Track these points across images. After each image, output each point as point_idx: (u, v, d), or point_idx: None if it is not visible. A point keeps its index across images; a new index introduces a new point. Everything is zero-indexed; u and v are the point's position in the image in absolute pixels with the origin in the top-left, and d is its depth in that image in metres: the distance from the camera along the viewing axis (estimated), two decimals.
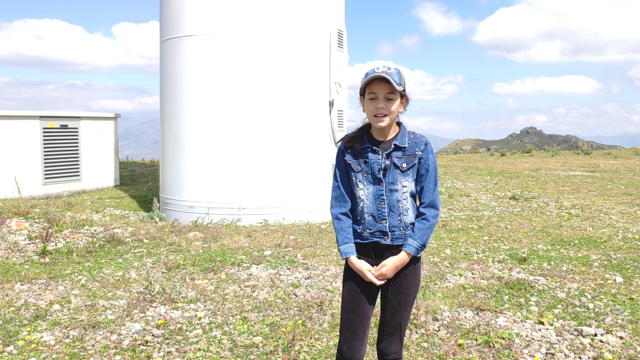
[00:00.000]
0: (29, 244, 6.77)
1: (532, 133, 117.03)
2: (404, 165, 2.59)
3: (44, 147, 11.04)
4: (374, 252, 2.65)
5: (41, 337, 4.20)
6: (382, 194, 2.59)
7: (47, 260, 6.30)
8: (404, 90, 2.56)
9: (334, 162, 2.77)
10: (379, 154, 2.59)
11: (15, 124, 10.59)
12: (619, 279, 5.53)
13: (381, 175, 2.59)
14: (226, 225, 8.39)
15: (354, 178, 2.65)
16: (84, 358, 3.89)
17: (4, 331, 4.31)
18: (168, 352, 3.97)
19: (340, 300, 2.74)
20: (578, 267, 5.98)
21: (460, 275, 5.76)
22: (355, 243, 2.68)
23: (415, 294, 2.71)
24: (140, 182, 13.69)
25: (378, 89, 2.52)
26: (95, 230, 7.57)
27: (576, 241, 7.20)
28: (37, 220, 7.65)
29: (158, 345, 4.10)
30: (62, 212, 8.30)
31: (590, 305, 4.80)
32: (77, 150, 11.82)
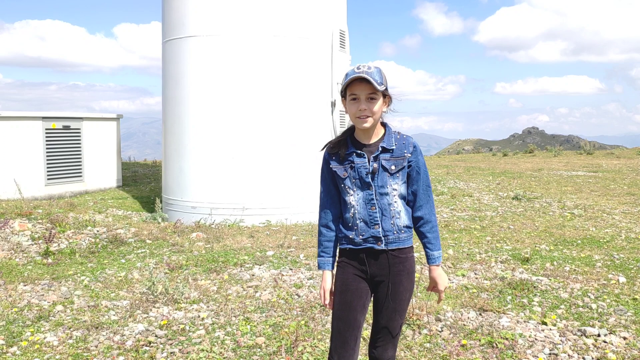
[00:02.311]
0: (32, 245, 6.78)
1: (535, 133, 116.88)
2: (393, 167, 2.52)
3: (47, 148, 11.06)
4: (367, 258, 2.59)
5: (44, 338, 4.21)
6: (373, 198, 2.53)
7: (50, 261, 6.31)
8: (386, 89, 2.50)
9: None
10: (365, 158, 2.52)
11: (17, 124, 10.61)
12: (622, 279, 5.52)
13: (370, 179, 2.52)
14: (229, 225, 8.40)
15: (342, 185, 2.59)
16: (87, 359, 3.89)
17: (8, 332, 4.32)
18: (171, 353, 3.97)
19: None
20: (581, 268, 5.97)
21: (463, 275, 5.75)
22: (348, 249, 2.63)
23: (409, 299, 2.66)
24: (143, 183, 13.70)
25: (359, 89, 2.45)
26: (98, 231, 7.58)
27: (579, 241, 7.18)
28: (40, 221, 7.67)
29: (161, 345, 4.10)
30: (64, 212, 8.32)
31: (594, 306, 4.79)
32: (79, 151, 11.83)
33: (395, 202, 2.55)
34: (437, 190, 12.14)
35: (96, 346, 4.08)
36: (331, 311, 2.70)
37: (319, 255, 2.69)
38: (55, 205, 9.06)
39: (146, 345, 4.10)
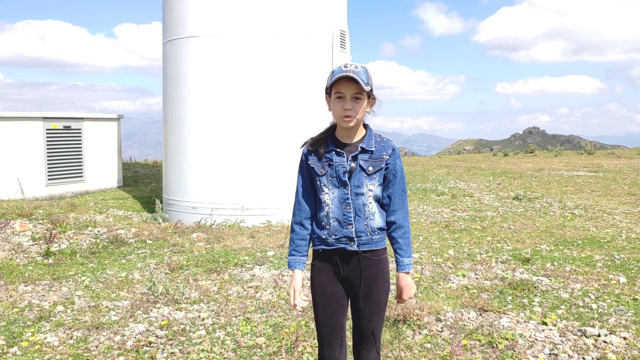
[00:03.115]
0: (33, 245, 6.78)
1: (535, 133, 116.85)
2: (370, 168, 2.50)
3: (47, 148, 11.07)
4: (340, 259, 2.56)
5: (45, 338, 4.21)
6: (348, 198, 2.50)
7: (50, 261, 6.32)
8: (371, 90, 2.48)
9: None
10: (344, 157, 2.51)
11: (18, 125, 10.62)
12: (623, 280, 5.52)
13: (346, 178, 2.50)
14: (229, 226, 8.40)
15: (318, 182, 2.56)
16: (88, 359, 3.90)
17: (8, 332, 4.33)
18: (172, 353, 3.97)
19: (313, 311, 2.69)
20: (581, 268, 5.97)
21: (464, 275, 5.75)
22: (320, 250, 2.60)
23: (386, 301, 2.64)
24: (144, 183, 13.71)
25: (345, 88, 2.42)
26: (98, 231, 7.59)
27: (579, 241, 7.18)
28: (40, 222, 7.68)
29: (162, 346, 4.10)
30: (65, 213, 8.33)
31: (594, 306, 4.79)
32: (80, 151, 11.84)
33: (370, 203, 2.53)
34: (438, 190, 12.14)
35: (97, 346, 4.09)
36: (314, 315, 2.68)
37: (290, 254, 2.66)
38: (56, 205, 9.06)
39: (147, 346, 4.10)
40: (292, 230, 2.66)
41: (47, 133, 11.06)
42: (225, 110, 8.59)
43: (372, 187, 2.52)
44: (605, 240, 7.20)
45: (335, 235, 2.53)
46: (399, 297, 2.66)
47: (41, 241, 6.84)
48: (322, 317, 2.63)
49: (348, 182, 2.51)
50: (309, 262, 2.71)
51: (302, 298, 2.65)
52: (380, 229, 2.56)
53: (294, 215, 2.66)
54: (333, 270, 2.59)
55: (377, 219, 2.55)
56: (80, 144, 11.83)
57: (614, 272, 5.79)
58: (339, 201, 2.52)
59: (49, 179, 11.11)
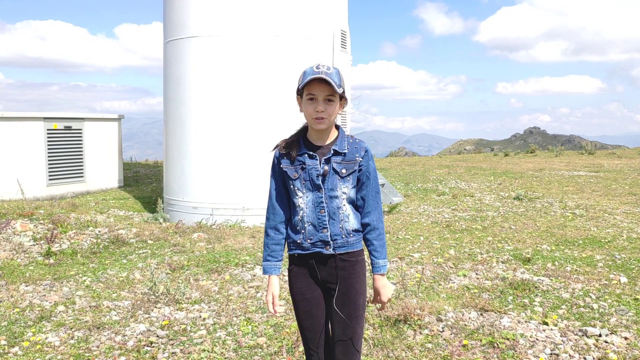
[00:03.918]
0: (34, 245, 6.79)
1: (536, 133, 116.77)
2: (344, 171, 2.47)
3: (48, 149, 11.08)
4: (316, 264, 2.53)
5: (46, 338, 4.22)
6: (322, 202, 2.47)
7: (51, 261, 6.32)
8: (343, 92, 2.43)
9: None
10: (317, 160, 2.47)
11: (19, 125, 10.63)
12: (624, 280, 5.51)
13: (320, 182, 2.46)
14: (230, 226, 8.41)
15: (291, 186, 2.52)
16: (89, 359, 3.90)
17: (9, 332, 4.33)
18: (172, 353, 3.98)
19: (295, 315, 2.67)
20: (582, 268, 5.97)
21: (464, 275, 5.75)
22: (296, 254, 2.57)
23: (364, 304, 2.59)
24: (144, 183, 13.72)
25: (317, 90, 2.38)
26: (99, 232, 7.60)
27: (580, 241, 7.18)
28: (41, 222, 7.68)
29: (162, 346, 4.11)
30: (66, 213, 8.33)
31: (595, 306, 4.79)
32: (81, 151, 11.85)
33: (344, 205, 2.50)
34: (439, 190, 12.14)
35: (98, 346, 4.09)
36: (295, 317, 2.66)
37: (265, 260, 2.61)
38: (56, 205, 9.07)
39: (148, 346, 4.10)
40: (267, 235, 2.61)
41: (48, 133, 11.06)
42: (226, 111, 8.59)
43: (345, 190, 2.49)
44: (606, 240, 7.20)
45: (310, 239, 2.50)
46: (377, 300, 2.62)
47: (42, 241, 6.85)
48: (305, 322, 2.61)
49: (322, 186, 2.47)
50: (285, 266, 2.67)
51: (280, 304, 2.62)
52: (356, 230, 2.53)
53: (267, 219, 2.62)
54: (310, 273, 2.56)
55: (352, 221, 2.52)
56: (81, 144, 11.84)
57: (615, 272, 5.79)
58: (313, 205, 2.49)
59: (49, 179, 11.12)
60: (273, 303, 2.59)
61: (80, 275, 5.87)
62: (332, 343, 2.62)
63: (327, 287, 2.57)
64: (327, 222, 2.48)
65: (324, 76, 2.34)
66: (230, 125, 8.58)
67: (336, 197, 2.48)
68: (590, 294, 5.11)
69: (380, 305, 2.65)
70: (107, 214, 9.24)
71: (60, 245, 6.88)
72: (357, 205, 2.57)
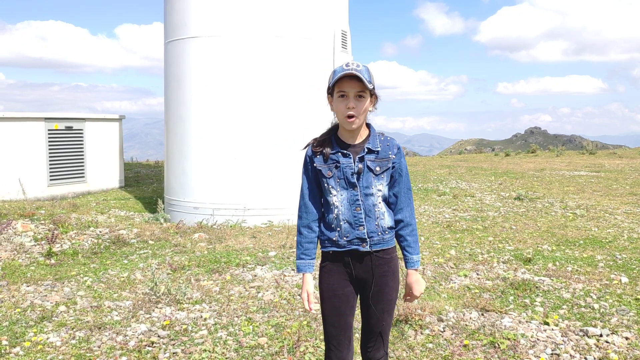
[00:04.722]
0: (35, 246, 6.79)
1: (537, 133, 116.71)
2: (378, 168, 2.50)
3: (49, 149, 11.09)
4: (352, 261, 2.55)
5: (47, 338, 4.22)
6: (358, 199, 2.49)
7: (52, 261, 6.33)
8: (373, 88, 2.45)
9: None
10: (351, 158, 2.49)
11: (20, 125, 10.65)
12: (625, 280, 5.51)
13: (355, 180, 2.49)
14: (231, 226, 8.41)
15: (326, 185, 2.53)
16: (90, 359, 3.91)
17: (11, 332, 4.33)
18: (174, 353, 3.98)
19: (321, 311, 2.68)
20: (583, 268, 5.97)
21: (465, 276, 5.75)
22: (331, 252, 2.59)
23: (396, 299, 2.65)
24: (145, 184, 13.73)
25: (348, 87, 2.39)
26: (100, 232, 7.60)
27: (581, 241, 7.18)
28: (42, 222, 7.69)
29: (164, 346, 4.11)
30: (67, 213, 8.34)
31: (596, 306, 4.79)
32: (82, 151, 11.86)
33: (380, 203, 2.53)
34: (439, 190, 12.14)
35: (99, 346, 4.10)
36: (321, 316, 2.68)
37: (299, 258, 2.63)
38: (57, 206, 9.08)
39: (149, 346, 4.11)
40: (300, 233, 2.63)
41: (49, 133, 11.08)
42: (227, 111, 8.60)
43: (380, 187, 2.53)
44: (607, 240, 7.20)
45: (347, 237, 2.52)
46: (409, 295, 2.68)
47: (43, 241, 6.86)
48: (331, 318, 2.62)
49: (357, 184, 2.50)
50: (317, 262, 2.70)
51: (315, 301, 2.65)
52: (390, 227, 2.58)
53: (300, 217, 2.63)
54: (344, 270, 2.58)
55: (387, 219, 2.56)
56: (82, 144, 11.85)
57: (615, 272, 5.79)
58: (348, 203, 2.51)
59: (50, 180, 11.13)
60: (308, 300, 2.61)
61: (82, 275, 5.87)
62: (361, 336, 2.69)
63: (361, 284, 2.60)
64: (363, 220, 2.51)
65: (354, 72, 2.36)
66: (231, 126, 8.59)
67: (371, 194, 2.51)
68: (591, 294, 5.11)
69: (409, 297, 2.70)
70: (108, 214, 9.24)
71: (61, 245, 6.89)
72: (389, 202, 2.60)
